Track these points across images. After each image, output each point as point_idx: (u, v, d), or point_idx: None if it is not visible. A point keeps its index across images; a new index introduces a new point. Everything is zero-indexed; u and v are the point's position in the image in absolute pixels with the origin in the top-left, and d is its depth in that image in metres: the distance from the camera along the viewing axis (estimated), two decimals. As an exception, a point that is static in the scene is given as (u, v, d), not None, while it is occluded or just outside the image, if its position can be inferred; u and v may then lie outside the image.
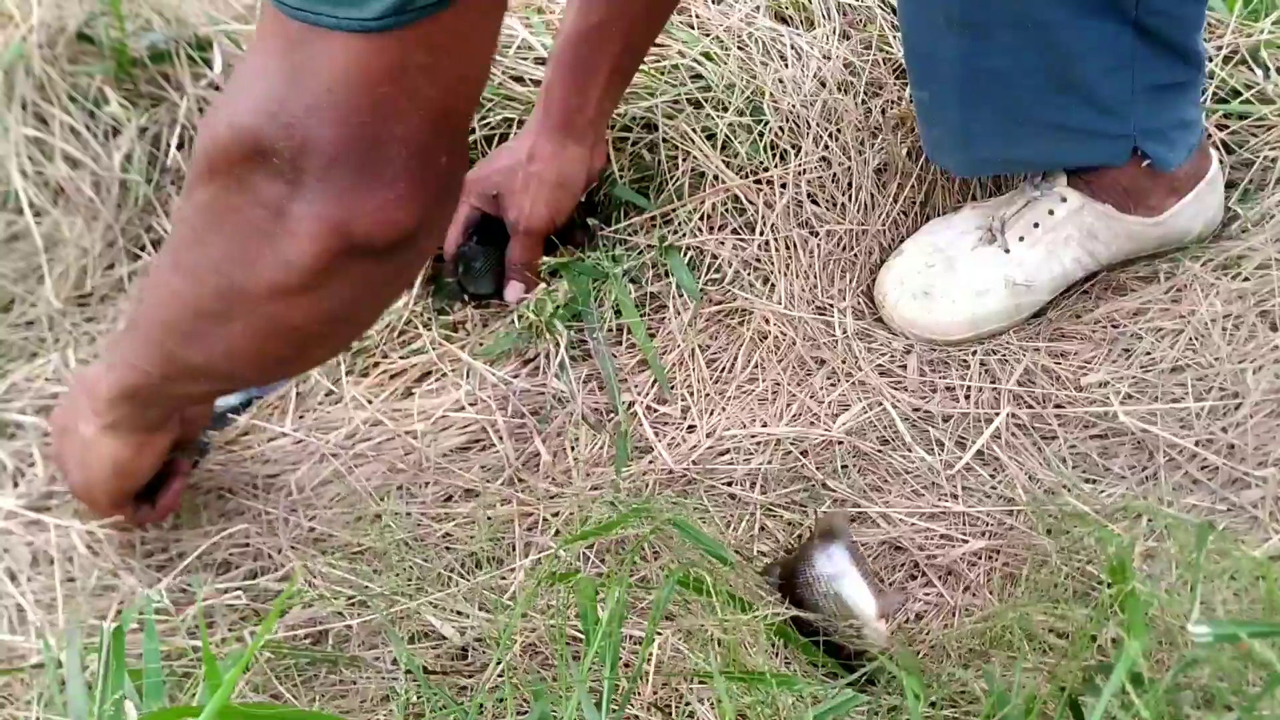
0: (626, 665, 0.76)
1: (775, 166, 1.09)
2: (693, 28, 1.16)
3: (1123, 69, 0.98)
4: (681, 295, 1.06)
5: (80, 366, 1.06)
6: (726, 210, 1.08)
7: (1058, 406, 0.99)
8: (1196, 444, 0.93)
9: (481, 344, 1.06)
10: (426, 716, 0.73)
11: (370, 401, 1.03)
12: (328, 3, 0.57)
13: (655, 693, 0.74)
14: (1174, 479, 0.92)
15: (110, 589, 0.89)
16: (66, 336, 1.10)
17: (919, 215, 1.16)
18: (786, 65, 1.14)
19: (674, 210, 1.09)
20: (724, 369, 1.03)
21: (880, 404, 1.00)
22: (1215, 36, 1.18)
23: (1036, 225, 1.07)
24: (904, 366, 1.04)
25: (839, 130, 1.12)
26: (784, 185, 1.08)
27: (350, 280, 0.67)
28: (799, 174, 1.09)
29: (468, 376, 1.03)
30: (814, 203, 1.10)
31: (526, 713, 0.70)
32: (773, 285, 1.06)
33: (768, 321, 1.04)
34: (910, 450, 0.97)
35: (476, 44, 0.64)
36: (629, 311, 1.04)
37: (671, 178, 1.11)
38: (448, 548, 0.89)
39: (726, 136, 1.09)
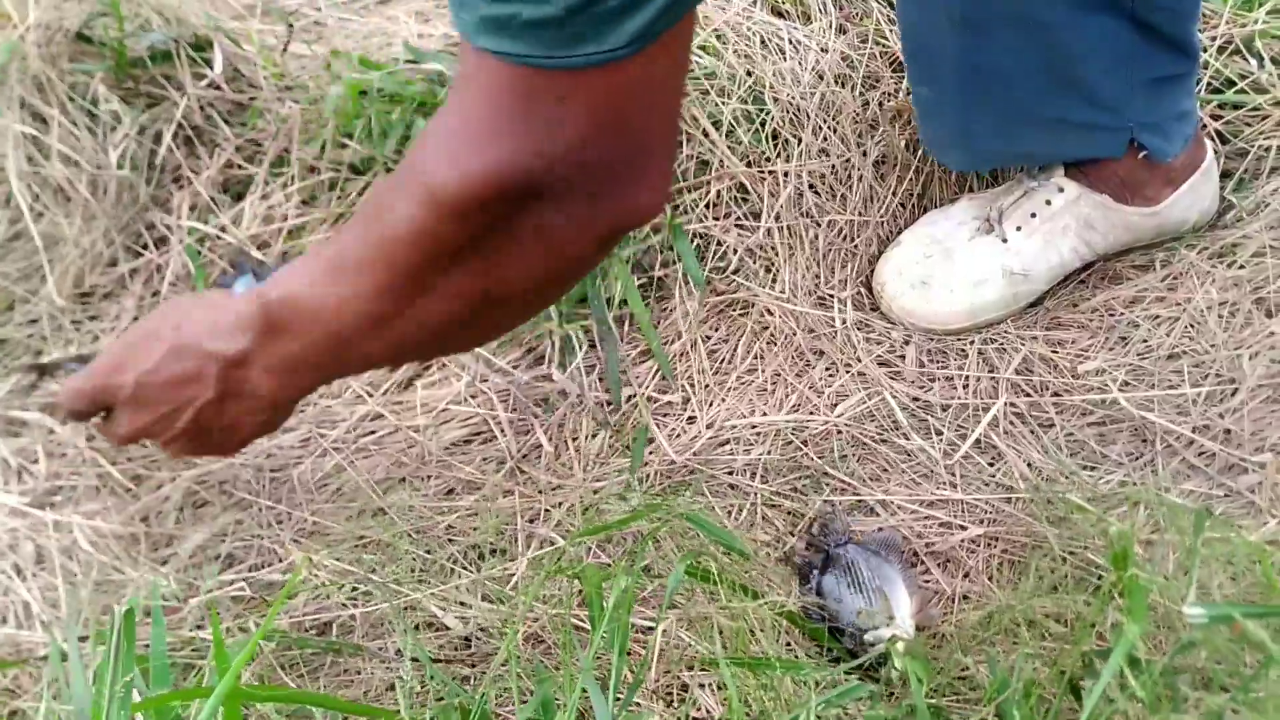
0: (630, 654, 0.76)
1: (778, 159, 1.09)
2: (690, 21, 1.16)
3: (1121, 64, 0.98)
4: (688, 283, 1.06)
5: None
6: (731, 198, 1.09)
7: (1055, 395, 1.00)
8: (1193, 430, 0.94)
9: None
10: (430, 704, 0.74)
11: (371, 394, 1.03)
12: (562, 45, 0.59)
13: (658, 679, 0.74)
14: (1171, 465, 0.92)
15: (114, 583, 0.90)
16: (69, 334, 1.10)
17: (917, 207, 1.16)
18: (785, 58, 1.14)
19: (680, 197, 1.09)
20: (724, 360, 1.04)
21: (879, 393, 1.01)
22: (1210, 27, 1.19)
23: (1034, 215, 1.07)
24: (903, 356, 1.05)
25: (837, 122, 1.12)
26: (785, 175, 1.09)
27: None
28: (800, 164, 1.09)
29: (471, 364, 1.03)
30: (815, 193, 1.10)
31: (530, 701, 0.70)
32: (775, 275, 1.07)
33: (770, 313, 1.04)
34: (909, 439, 0.98)
35: (691, 38, 0.68)
36: (635, 301, 1.05)
37: (676, 164, 1.11)
38: (450, 540, 0.90)
39: (730, 124, 1.09)
